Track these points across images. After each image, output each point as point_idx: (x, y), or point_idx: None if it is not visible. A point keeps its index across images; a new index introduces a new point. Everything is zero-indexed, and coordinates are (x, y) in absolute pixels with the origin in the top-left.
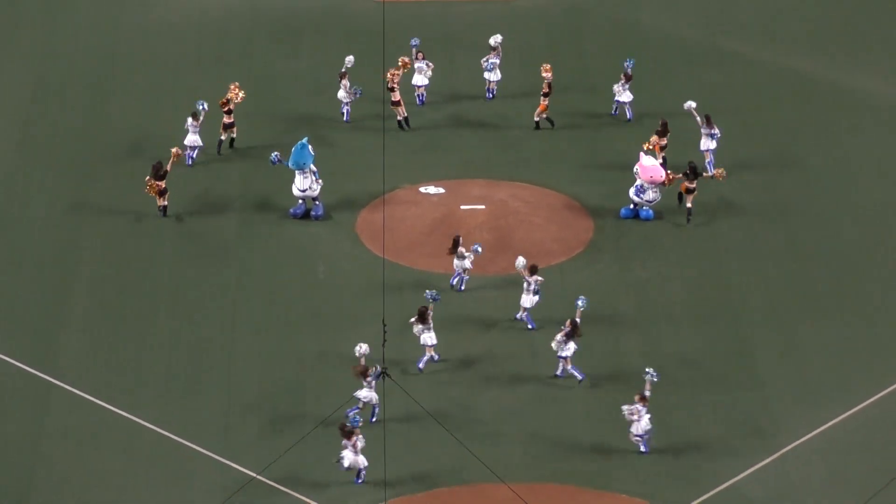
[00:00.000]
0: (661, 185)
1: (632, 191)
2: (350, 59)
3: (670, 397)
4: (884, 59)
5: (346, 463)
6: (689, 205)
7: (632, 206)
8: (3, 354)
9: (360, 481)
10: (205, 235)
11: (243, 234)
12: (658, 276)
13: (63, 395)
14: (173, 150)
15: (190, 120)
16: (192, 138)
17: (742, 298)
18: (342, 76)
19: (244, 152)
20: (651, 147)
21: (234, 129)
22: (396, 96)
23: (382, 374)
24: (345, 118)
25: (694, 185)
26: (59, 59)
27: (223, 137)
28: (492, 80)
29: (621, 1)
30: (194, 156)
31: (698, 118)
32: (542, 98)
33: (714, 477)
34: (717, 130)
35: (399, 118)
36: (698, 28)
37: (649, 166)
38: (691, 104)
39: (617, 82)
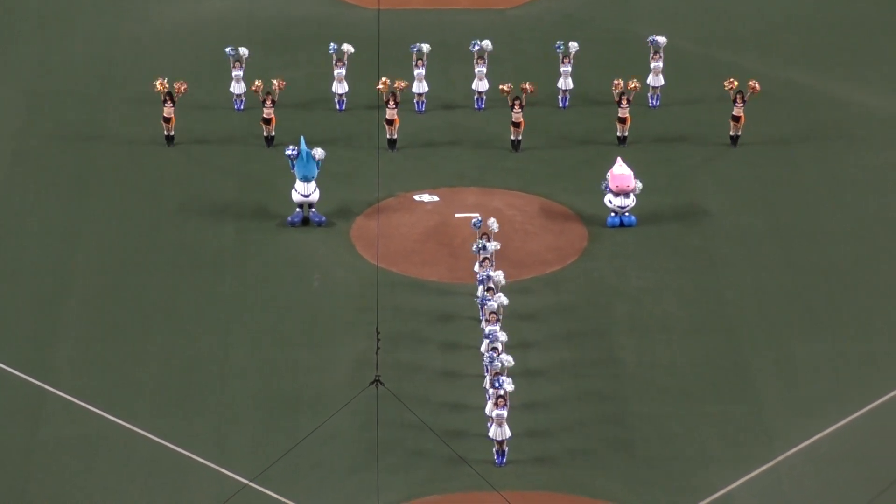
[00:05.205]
0: (631, 193)
1: (607, 197)
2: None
3: (664, 407)
4: (881, 72)
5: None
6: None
7: (613, 213)
8: None
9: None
10: (200, 245)
11: (239, 243)
12: (653, 286)
13: (58, 404)
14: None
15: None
16: (236, 86)
17: (737, 310)
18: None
19: (240, 160)
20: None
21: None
22: (390, 114)
23: (376, 382)
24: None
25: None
26: (54, 69)
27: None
28: (421, 90)
29: (616, 12)
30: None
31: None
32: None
33: (707, 486)
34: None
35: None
36: (694, 40)
37: (619, 175)
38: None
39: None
